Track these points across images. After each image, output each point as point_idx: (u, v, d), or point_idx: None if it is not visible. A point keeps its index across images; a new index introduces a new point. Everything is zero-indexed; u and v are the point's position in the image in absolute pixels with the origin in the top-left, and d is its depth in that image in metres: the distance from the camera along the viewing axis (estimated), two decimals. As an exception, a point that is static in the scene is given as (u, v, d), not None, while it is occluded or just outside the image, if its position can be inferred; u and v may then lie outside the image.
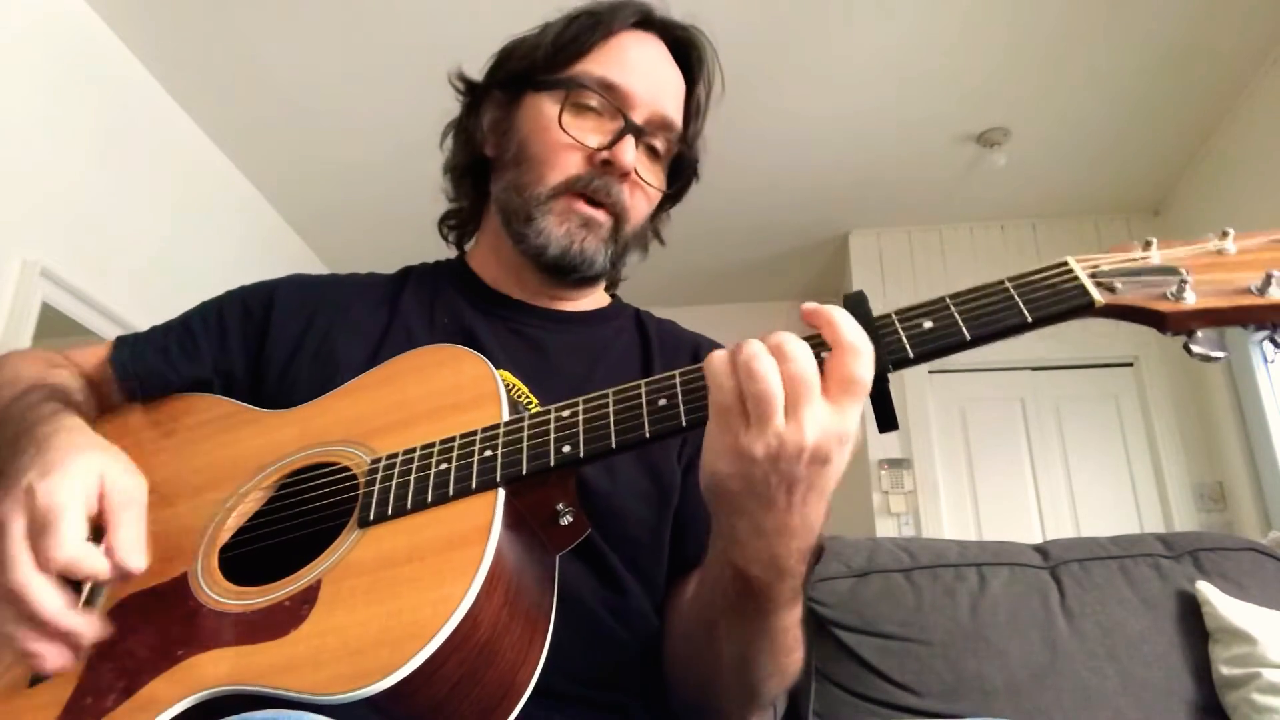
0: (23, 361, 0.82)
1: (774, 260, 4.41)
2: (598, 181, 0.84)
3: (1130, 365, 3.77)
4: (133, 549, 0.59)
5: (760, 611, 0.61)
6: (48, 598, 0.55)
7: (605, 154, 0.84)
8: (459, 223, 0.99)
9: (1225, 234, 0.55)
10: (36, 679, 0.61)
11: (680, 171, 0.94)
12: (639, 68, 0.87)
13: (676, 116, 0.89)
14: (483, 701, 0.54)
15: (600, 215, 0.86)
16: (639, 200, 0.88)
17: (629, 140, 0.84)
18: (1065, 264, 0.56)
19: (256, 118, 3.26)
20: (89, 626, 0.58)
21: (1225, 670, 1.29)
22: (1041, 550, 1.50)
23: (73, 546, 0.56)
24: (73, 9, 2.66)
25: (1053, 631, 1.35)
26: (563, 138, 0.84)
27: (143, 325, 0.91)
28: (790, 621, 0.63)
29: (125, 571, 0.59)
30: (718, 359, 0.55)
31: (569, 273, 0.86)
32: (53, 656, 0.57)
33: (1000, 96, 3.19)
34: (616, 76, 0.86)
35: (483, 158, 0.93)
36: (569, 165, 0.85)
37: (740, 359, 0.54)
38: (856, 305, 0.57)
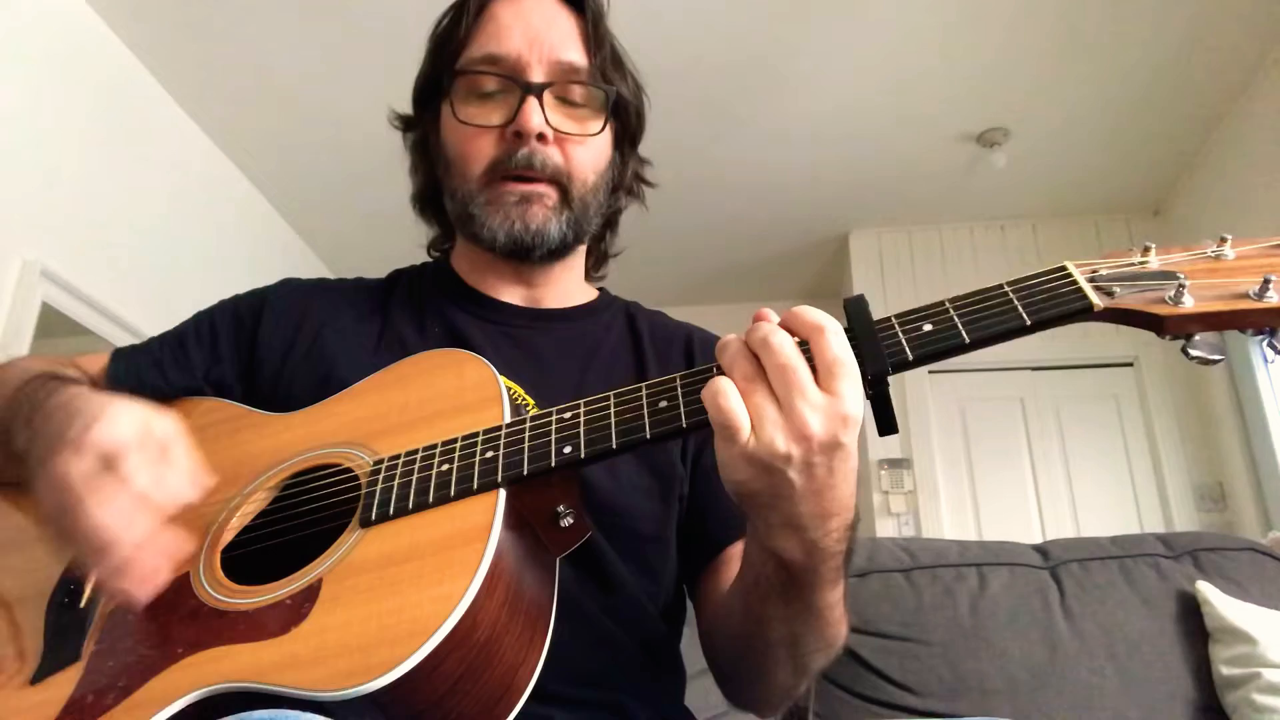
0: (29, 360, 0.82)
1: (774, 260, 4.41)
2: (518, 155, 0.82)
3: (1130, 365, 3.77)
4: (197, 469, 0.60)
5: (805, 593, 0.62)
6: (136, 527, 0.56)
7: (513, 125, 0.82)
8: (439, 245, 1.00)
9: (1223, 240, 0.56)
10: (38, 676, 0.61)
11: (616, 106, 0.89)
12: (516, 27, 0.85)
13: (577, 56, 0.85)
14: (482, 700, 0.54)
15: (538, 187, 0.83)
16: (577, 154, 0.85)
17: (529, 103, 0.81)
18: (1064, 268, 0.56)
19: (256, 117, 3.26)
20: (180, 542, 0.59)
21: (1225, 670, 1.29)
22: (1041, 550, 1.50)
23: (147, 475, 0.56)
24: (73, 9, 2.66)
25: (1053, 631, 1.35)
26: (466, 130, 0.84)
27: (142, 325, 0.92)
28: (835, 598, 0.64)
29: (199, 486, 0.60)
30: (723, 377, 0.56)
31: (529, 252, 0.84)
32: (147, 583, 0.58)
33: (1000, 96, 3.20)
34: (496, 47, 0.84)
35: (437, 180, 0.93)
36: (483, 152, 0.84)
37: (726, 361, 0.55)
38: (857, 308, 0.57)
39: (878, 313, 0.57)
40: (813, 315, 0.55)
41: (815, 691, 1.36)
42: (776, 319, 0.56)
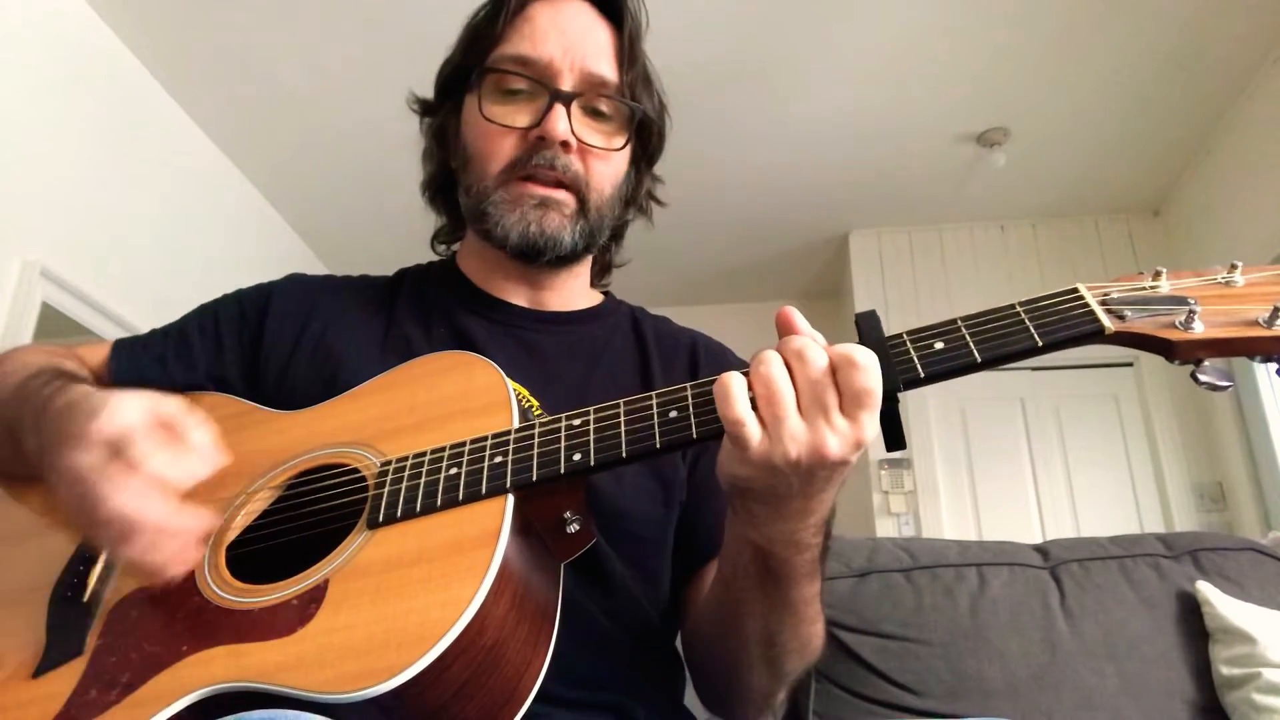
0: (29, 352, 0.82)
1: (774, 260, 4.41)
2: (538, 158, 0.82)
3: (1130, 365, 3.77)
4: (210, 442, 0.60)
5: (781, 586, 0.63)
6: (153, 508, 0.56)
7: (538, 130, 0.82)
8: (446, 237, 1.00)
9: (1234, 266, 0.57)
10: (41, 669, 0.61)
11: (640, 125, 0.89)
12: (553, 32, 0.84)
13: (609, 70, 0.85)
14: (487, 705, 0.54)
15: (556, 193, 0.83)
16: (598, 167, 0.85)
17: (557, 110, 0.81)
18: (1076, 290, 0.57)
19: (256, 117, 3.26)
20: (201, 519, 0.59)
21: (1225, 670, 1.29)
22: (1041, 550, 1.50)
23: (158, 456, 0.57)
24: (73, 8, 2.66)
25: (1053, 631, 1.35)
26: (491, 127, 0.84)
27: (142, 325, 0.91)
28: (810, 594, 0.65)
29: (215, 461, 0.60)
30: (733, 374, 0.56)
31: (538, 256, 0.84)
32: (178, 561, 0.58)
33: (1000, 96, 3.20)
34: (530, 49, 0.84)
35: (450, 170, 0.93)
36: (504, 151, 0.83)
37: (756, 367, 0.55)
38: (869, 324, 0.57)
39: (878, 312, 0.58)
40: (853, 350, 0.55)
41: (815, 691, 1.37)
42: (803, 321, 0.57)
